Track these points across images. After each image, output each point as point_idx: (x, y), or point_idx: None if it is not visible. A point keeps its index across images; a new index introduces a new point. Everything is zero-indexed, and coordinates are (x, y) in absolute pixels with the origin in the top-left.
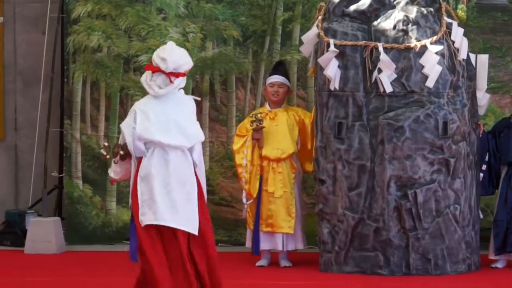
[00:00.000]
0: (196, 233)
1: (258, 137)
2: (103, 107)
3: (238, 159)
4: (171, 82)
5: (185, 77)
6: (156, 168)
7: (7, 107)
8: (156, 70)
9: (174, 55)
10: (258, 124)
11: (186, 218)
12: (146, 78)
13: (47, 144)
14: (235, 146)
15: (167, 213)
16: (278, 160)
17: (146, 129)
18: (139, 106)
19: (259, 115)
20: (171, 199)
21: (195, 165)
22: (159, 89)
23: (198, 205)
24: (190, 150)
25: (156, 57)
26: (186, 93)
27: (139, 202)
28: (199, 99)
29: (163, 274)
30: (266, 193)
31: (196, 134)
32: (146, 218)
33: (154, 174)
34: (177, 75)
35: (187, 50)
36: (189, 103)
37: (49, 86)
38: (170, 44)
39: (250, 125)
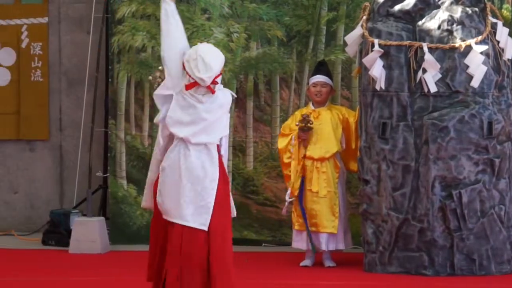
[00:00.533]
0: (204, 228)
1: (305, 137)
2: (147, 107)
3: (285, 158)
4: (213, 92)
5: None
6: (175, 161)
7: (52, 107)
8: (195, 85)
9: (208, 71)
10: (307, 124)
11: (195, 214)
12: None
13: (92, 144)
14: (280, 145)
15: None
16: (322, 159)
17: (174, 125)
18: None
19: (310, 116)
20: (181, 193)
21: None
22: (202, 96)
23: (217, 201)
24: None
25: (192, 73)
26: None
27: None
28: (235, 96)
29: (151, 262)
30: (310, 192)
31: (220, 130)
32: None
33: (172, 167)
34: (215, 82)
35: (231, 50)
36: (225, 100)
37: (94, 86)
38: (201, 58)
39: (297, 124)
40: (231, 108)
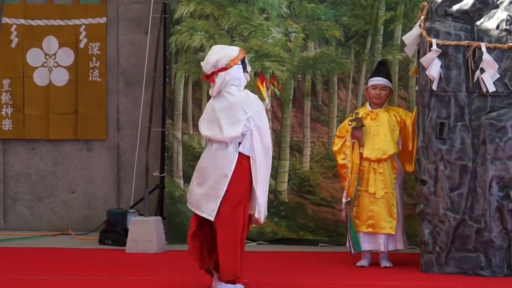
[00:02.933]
0: (210, 218)
1: (359, 137)
2: (204, 106)
3: (340, 159)
4: (212, 81)
5: (225, 72)
6: (203, 158)
7: (109, 107)
8: (203, 78)
9: (206, 60)
10: (358, 122)
11: (204, 204)
12: None
13: (149, 144)
14: (335, 147)
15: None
16: (379, 160)
17: (199, 123)
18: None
19: (359, 114)
20: (202, 185)
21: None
22: (215, 96)
23: (228, 195)
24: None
25: None
26: (288, 92)
27: None
28: (266, 102)
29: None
30: (367, 193)
31: (227, 130)
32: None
33: (200, 163)
34: (216, 72)
35: (289, 49)
36: (236, 99)
37: (151, 86)
38: (210, 49)
39: (349, 124)
40: (288, 108)
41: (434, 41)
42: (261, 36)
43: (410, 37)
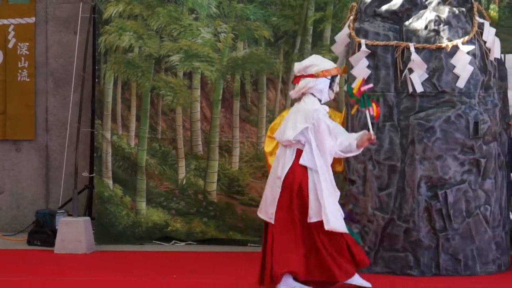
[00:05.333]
0: (270, 220)
1: None
2: (134, 107)
3: (270, 160)
4: (297, 82)
5: (311, 79)
6: None
7: (38, 107)
8: (293, 81)
9: (301, 62)
10: None
11: (264, 206)
12: None
13: (78, 144)
14: (267, 148)
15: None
16: None
17: None
18: None
19: None
20: (266, 188)
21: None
22: (292, 92)
23: (282, 195)
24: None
25: None
26: (217, 93)
27: None
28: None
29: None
30: None
31: (285, 133)
32: None
33: None
34: (303, 76)
35: (218, 50)
36: (305, 107)
37: (80, 86)
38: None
39: None
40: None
41: (363, 41)
42: (191, 36)
43: (340, 37)
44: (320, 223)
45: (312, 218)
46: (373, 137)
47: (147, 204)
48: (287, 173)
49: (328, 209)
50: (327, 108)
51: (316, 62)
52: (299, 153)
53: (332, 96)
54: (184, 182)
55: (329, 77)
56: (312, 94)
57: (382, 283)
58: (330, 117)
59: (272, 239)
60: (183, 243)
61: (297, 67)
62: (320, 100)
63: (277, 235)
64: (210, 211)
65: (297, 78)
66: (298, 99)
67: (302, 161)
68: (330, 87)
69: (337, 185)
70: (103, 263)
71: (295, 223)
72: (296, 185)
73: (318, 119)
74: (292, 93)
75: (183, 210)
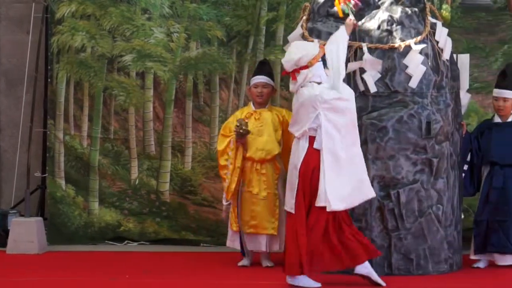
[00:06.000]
0: (289, 210)
1: (243, 141)
2: (86, 107)
3: (222, 160)
4: (294, 79)
5: (306, 70)
6: None
7: None
8: (284, 74)
9: (287, 57)
10: (243, 130)
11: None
12: None
13: (30, 144)
14: (220, 147)
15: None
16: (262, 161)
17: None
18: None
19: (243, 121)
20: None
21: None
22: (292, 86)
23: (299, 185)
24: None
25: None
26: (170, 93)
27: None
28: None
29: None
30: (249, 194)
31: (302, 123)
32: None
33: None
34: (298, 70)
35: (171, 49)
36: (308, 95)
37: (33, 86)
38: (290, 46)
39: (235, 131)
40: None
41: (316, 41)
42: (143, 36)
43: (293, 38)
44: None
45: (318, 202)
46: (354, 21)
47: (99, 204)
48: (303, 161)
49: (329, 191)
50: (326, 85)
51: (304, 52)
52: (311, 139)
53: (330, 74)
54: (137, 182)
55: (320, 60)
56: (314, 81)
57: (335, 282)
58: (284, 117)
59: (296, 230)
60: (135, 243)
61: (288, 63)
62: (319, 83)
63: (298, 225)
64: (162, 211)
65: (292, 74)
66: (298, 91)
67: (316, 145)
68: (325, 66)
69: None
70: (55, 263)
71: (301, 210)
72: (310, 170)
73: (326, 101)
74: (294, 88)
75: (135, 210)
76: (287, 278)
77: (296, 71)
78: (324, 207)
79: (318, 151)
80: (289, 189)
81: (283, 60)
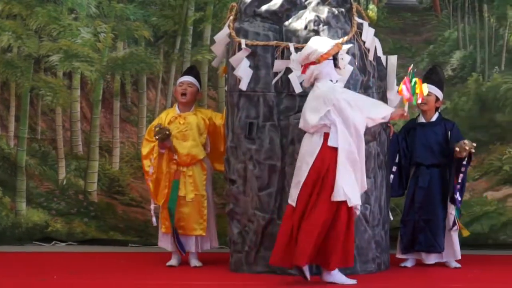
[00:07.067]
0: (292, 203)
1: (168, 146)
2: (13, 107)
3: (146, 165)
4: (303, 73)
5: (314, 66)
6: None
7: None
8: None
9: (302, 50)
10: (163, 133)
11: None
12: None
13: None
14: (143, 151)
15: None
16: (188, 164)
17: None
18: None
19: (162, 125)
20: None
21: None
22: (304, 81)
23: (307, 180)
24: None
25: None
26: (97, 93)
27: None
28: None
29: None
30: (177, 197)
31: (308, 120)
32: None
33: None
34: (307, 65)
35: (98, 50)
36: (320, 92)
37: None
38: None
39: (155, 138)
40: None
41: (243, 41)
42: (70, 36)
43: (219, 37)
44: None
45: (335, 197)
46: (405, 114)
47: (27, 204)
48: (316, 157)
49: (346, 187)
50: (341, 84)
51: (314, 47)
52: (326, 136)
53: (344, 74)
54: (64, 182)
55: (330, 58)
56: (323, 79)
57: (262, 283)
58: (210, 119)
59: (297, 223)
60: (63, 244)
61: (300, 56)
62: (331, 81)
63: (298, 219)
64: (90, 212)
65: (304, 67)
66: (311, 85)
67: (330, 142)
68: (336, 66)
69: (218, 184)
70: None
71: (314, 204)
72: (325, 167)
73: (336, 99)
74: (304, 83)
75: (63, 211)
76: (324, 276)
77: (306, 66)
78: (341, 202)
79: (333, 148)
80: (295, 184)
81: (298, 54)
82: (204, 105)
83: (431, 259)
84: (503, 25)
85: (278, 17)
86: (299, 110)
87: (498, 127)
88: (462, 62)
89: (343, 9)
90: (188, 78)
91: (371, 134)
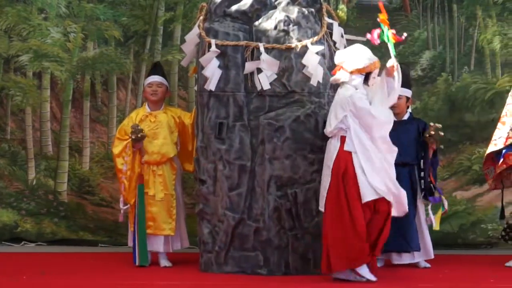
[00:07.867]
0: (321, 209)
1: (139, 146)
2: None
3: (119, 164)
4: (334, 73)
5: (345, 73)
6: None
7: None
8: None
9: (345, 49)
10: (139, 134)
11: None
12: None
13: None
14: (116, 150)
15: None
16: (158, 163)
17: None
18: None
19: (138, 127)
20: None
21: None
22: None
23: (331, 184)
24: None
25: None
26: (67, 93)
27: None
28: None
29: None
30: (146, 196)
31: (328, 124)
32: None
33: None
34: (338, 68)
35: (68, 49)
36: (340, 97)
37: None
38: (356, 44)
39: (131, 137)
40: (67, 108)
41: (213, 41)
42: (40, 36)
43: (189, 37)
44: (374, 202)
45: (365, 197)
46: (395, 64)
47: None
48: (335, 160)
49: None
50: (364, 91)
51: (354, 57)
52: (343, 139)
53: (369, 90)
54: (34, 182)
55: (363, 74)
56: (349, 85)
57: (232, 283)
58: (180, 118)
59: (327, 228)
60: (33, 244)
61: (338, 56)
62: (354, 87)
63: (328, 223)
64: (60, 212)
65: (337, 67)
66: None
67: (346, 147)
68: (365, 82)
69: (188, 184)
70: None
71: (342, 208)
72: (342, 170)
73: (354, 105)
74: (331, 80)
75: (33, 211)
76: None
77: (340, 68)
78: (373, 202)
79: (348, 152)
80: (323, 189)
81: (338, 51)
82: (175, 104)
83: (402, 259)
84: (473, 25)
85: (248, 17)
86: (269, 110)
87: (468, 127)
88: (432, 62)
89: (313, 9)
90: (156, 78)
91: None
